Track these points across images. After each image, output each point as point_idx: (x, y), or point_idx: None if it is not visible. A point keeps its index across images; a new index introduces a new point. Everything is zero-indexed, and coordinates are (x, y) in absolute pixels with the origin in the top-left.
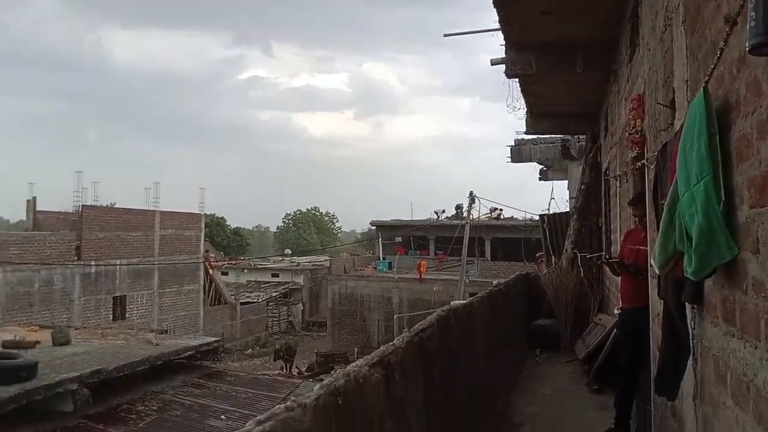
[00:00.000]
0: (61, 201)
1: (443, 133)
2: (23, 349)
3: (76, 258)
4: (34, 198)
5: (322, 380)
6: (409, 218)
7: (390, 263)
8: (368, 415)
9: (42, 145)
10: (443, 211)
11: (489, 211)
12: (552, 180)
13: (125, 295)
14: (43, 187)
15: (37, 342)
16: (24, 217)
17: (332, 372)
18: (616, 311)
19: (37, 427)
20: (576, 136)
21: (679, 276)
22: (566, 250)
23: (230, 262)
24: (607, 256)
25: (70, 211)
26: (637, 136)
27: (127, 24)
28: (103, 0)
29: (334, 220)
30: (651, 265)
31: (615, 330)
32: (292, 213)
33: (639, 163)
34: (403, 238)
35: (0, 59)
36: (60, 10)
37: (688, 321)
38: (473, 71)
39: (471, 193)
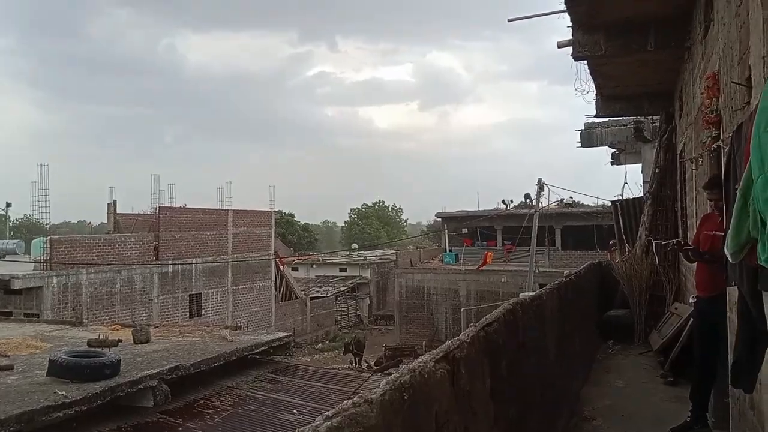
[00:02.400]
0: (140, 203)
1: (510, 120)
2: (107, 348)
3: (154, 258)
4: (114, 201)
5: (390, 374)
6: (475, 209)
7: (456, 255)
8: (434, 410)
9: (121, 149)
10: (511, 201)
11: (558, 200)
12: (624, 164)
13: (201, 293)
14: (123, 189)
15: (120, 340)
16: (105, 220)
17: (400, 366)
18: (691, 300)
19: (120, 422)
20: (649, 117)
21: (754, 264)
22: (640, 237)
23: (300, 258)
24: (681, 242)
25: (148, 212)
26: (713, 116)
27: (197, 28)
28: (175, 7)
29: (400, 213)
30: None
31: (691, 320)
32: (358, 207)
33: (715, 145)
34: (470, 229)
35: (82, 67)
36: (136, 19)
37: (766, 310)
38: (541, 54)
39: (540, 180)
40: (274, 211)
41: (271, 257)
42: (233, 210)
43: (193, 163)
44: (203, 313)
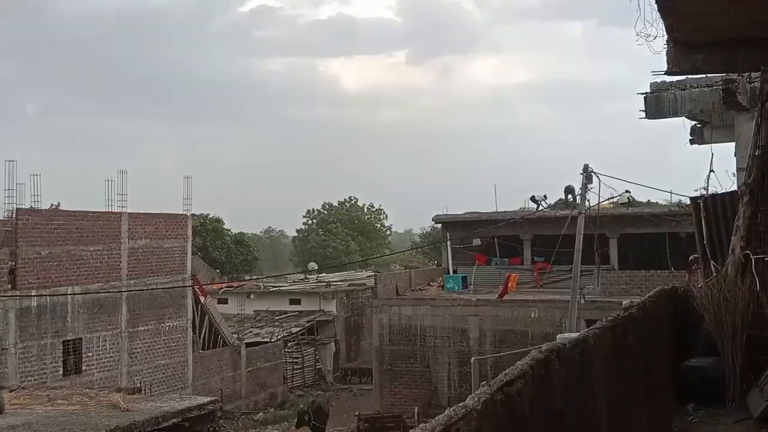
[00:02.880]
0: None
1: (542, 79)
2: None
3: (9, 287)
4: None
5: None
6: (491, 209)
7: (464, 278)
8: None
9: None
10: (544, 198)
11: (614, 197)
12: (710, 143)
13: (80, 339)
14: None
15: None
16: None
17: None
18: None
19: None
20: (746, 75)
21: None
22: (733, 251)
23: (230, 284)
24: None
25: (0, 217)
26: None
27: None
28: None
29: (381, 217)
30: None
31: None
32: (319, 208)
33: None
34: (484, 240)
35: None
36: None
37: None
38: None
39: (586, 168)
40: (192, 215)
41: (188, 284)
42: (130, 213)
43: (70, 145)
44: (85, 368)
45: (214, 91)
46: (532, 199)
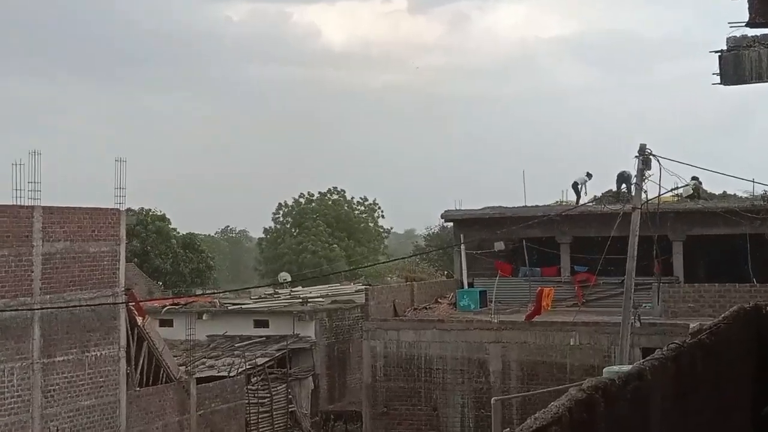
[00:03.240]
0: None
1: (583, 32)
2: None
3: None
4: None
5: None
6: (519, 204)
7: (483, 293)
8: None
9: None
10: (588, 177)
11: (678, 188)
12: None
13: None
14: None
15: None
16: None
17: None
18: None
19: None
20: None
21: None
22: None
23: (177, 301)
24: None
25: None
26: None
27: None
28: None
29: (375, 215)
30: None
31: None
32: (292, 202)
33: None
34: (509, 243)
35: None
36: None
37: None
38: None
39: (643, 148)
40: (128, 211)
41: (121, 301)
42: (44, 207)
43: None
44: None
45: (155, 48)
46: (574, 186)
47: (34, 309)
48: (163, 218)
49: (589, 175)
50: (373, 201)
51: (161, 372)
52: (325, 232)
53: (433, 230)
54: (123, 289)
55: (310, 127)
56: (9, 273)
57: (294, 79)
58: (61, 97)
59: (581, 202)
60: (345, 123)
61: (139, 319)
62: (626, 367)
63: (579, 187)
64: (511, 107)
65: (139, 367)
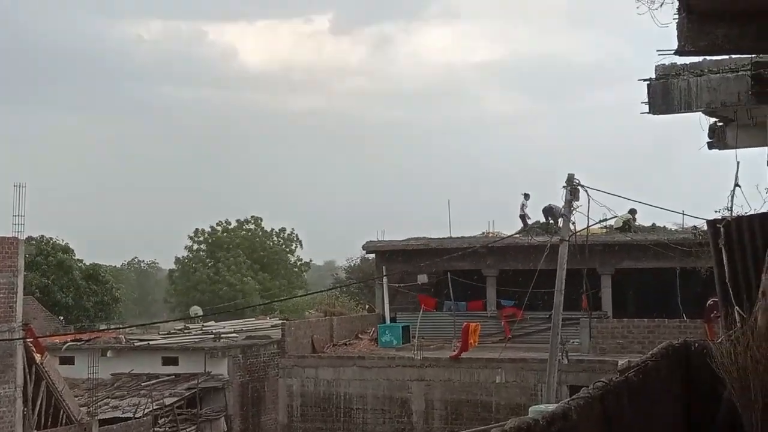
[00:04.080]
0: None
1: (512, 57)
2: None
3: None
4: None
5: None
6: (443, 235)
7: (405, 329)
8: None
9: None
10: (525, 205)
11: (607, 218)
12: (734, 147)
13: None
14: None
15: None
16: None
17: None
18: None
19: None
20: None
21: None
22: (764, 294)
23: (79, 336)
24: None
25: None
26: None
27: None
28: None
29: (292, 246)
30: None
31: None
32: (206, 232)
33: None
34: (432, 275)
35: None
36: None
37: None
38: None
39: (571, 179)
40: (24, 240)
41: (18, 337)
42: None
43: None
44: None
45: (60, 65)
46: (521, 218)
47: None
48: (65, 249)
49: (527, 196)
50: (291, 231)
51: (61, 413)
52: (244, 264)
53: (354, 262)
54: (20, 323)
55: (225, 150)
56: None
57: (208, 101)
58: None
59: (529, 223)
60: (262, 147)
61: (38, 357)
62: (552, 406)
63: (524, 211)
64: (436, 133)
65: (37, 408)
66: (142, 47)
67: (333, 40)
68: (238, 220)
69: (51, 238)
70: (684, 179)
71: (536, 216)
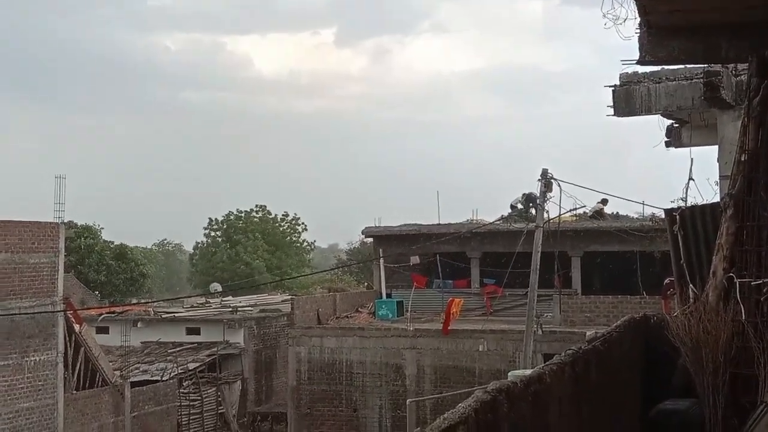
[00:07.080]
0: None
1: (494, 66)
2: None
3: None
4: None
5: None
6: (433, 221)
7: (400, 303)
8: None
9: None
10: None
11: (576, 208)
12: (688, 146)
13: None
14: None
15: None
16: None
17: None
18: None
19: None
20: (731, 67)
21: None
22: (714, 273)
23: (113, 309)
24: None
25: None
26: None
27: None
28: None
29: (299, 230)
30: None
31: None
32: (221, 218)
33: None
34: (424, 257)
35: None
36: None
37: None
38: None
39: (545, 173)
40: (64, 224)
41: (59, 309)
42: None
43: None
44: None
45: (94, 71)
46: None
47: None
48: (99, 231)
49: (525, 196)
50: (294, 215)
51: (97, 376)
52: (261, 247)
53: (354, 245)
54: (61, 298)
55: (240, 147)
56: None
57: (228, 105)
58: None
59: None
60: (273, 144)
61: (77, 327)
62: (529, 371)
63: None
64: (427, 133)
65: (76, 372)
66: (169, 56)
67: (337, 51)
68: (245, 211)
69: (80, 223)
70: (644, 173)
71: (505, 208)
